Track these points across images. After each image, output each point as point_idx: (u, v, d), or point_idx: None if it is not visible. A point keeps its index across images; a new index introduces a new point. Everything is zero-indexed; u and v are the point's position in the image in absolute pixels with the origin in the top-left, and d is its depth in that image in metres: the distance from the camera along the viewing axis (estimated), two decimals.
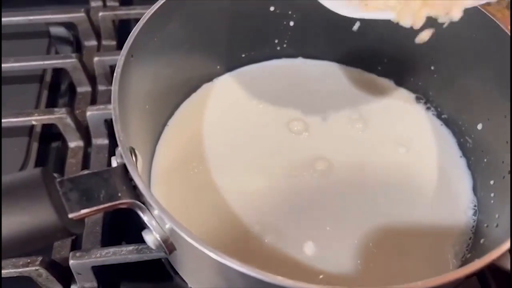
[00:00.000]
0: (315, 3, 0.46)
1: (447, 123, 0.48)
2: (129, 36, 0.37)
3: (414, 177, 0.44)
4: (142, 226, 0.33)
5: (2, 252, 0.26)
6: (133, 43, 0.37)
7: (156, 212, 0.30)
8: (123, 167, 0.31)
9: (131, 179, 0.31)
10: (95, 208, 0.29)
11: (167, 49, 0.43)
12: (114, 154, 0.34)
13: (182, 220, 0.39)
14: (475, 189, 0.43)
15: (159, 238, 0.31)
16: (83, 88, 0.54)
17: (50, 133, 0.51)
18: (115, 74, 0.34)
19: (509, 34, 0.38)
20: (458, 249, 0.40)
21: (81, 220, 0.29)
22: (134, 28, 0.38)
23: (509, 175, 0.38)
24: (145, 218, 0.31)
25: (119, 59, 0.35)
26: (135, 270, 0.41)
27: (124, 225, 0.45)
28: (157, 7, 0.39)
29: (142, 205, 0.30)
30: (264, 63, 0.52)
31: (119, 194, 0.30)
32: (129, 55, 0.36)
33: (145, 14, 0.39)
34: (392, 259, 0.39)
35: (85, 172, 0.30)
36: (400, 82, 0.51)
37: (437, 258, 0.40)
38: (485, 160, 0.42)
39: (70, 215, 0.28)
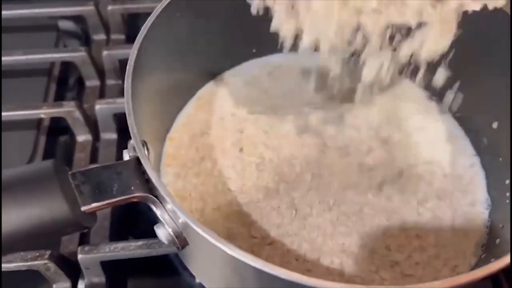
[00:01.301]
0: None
1: (461, 121, 0.47)
2: (142, 29, 0.37)
3: (427, 176, 0.43)
4: (150, 220, 0.33)
5: (12, 245, 0.26)
6: (146, 37, 0.36)
7: (169, 206, 0.29)
8: (136, 161, 0.30)
9: (143, 173, 0.30)
10: (108, 201, 0.29)
11: (177, 43, 0.43)
12: (122, 148, 0.34)
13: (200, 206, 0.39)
14: (489, 189, 0.43)
15: (171, 233, 0.30)
16: (92, 82, 0.54)
17: (58, 127, 0.51)
18: (128, 67, 0.34)
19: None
20: (472, 249, 0.39)
21: (93, 214, 0.29)
22: (147, 21, 0.37)
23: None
24: (158, 212, 0.30)
25: (132, 52, 0.35)
26: (143, 266, 0.41)
27: (132, 220, 0.45)
28: (168, 1, 0.39)
29: (155, 199, 0.30)
30: (271, 57, 0.52)
31: (132, 188, 0.30)
32: (142, 48, 0.36)
33: (156, 8, 0.39)
34: (404, 259, 0.39)
35: (98, 165, 0.30)
36: (413, 79, 0.50)
37: (451, 257, 0.39)
38: (500, 159, 0.42)
39: (83, 208, 0.28)
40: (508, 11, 0.39)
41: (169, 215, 0.30)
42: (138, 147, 0.30)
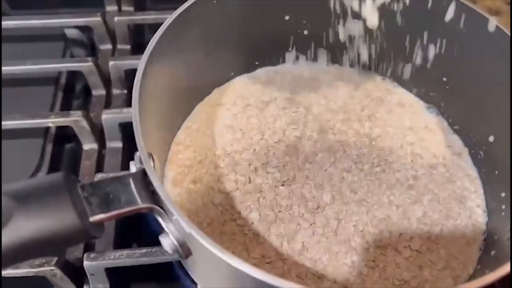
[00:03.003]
0: (329, 13, 0.47)
1: (459, 134, 0.48)
2: (150, 43, 0.38)
3: (423, 187, 0.44)
4: (154, 228, 0.34)
5: (25, 253, 0.27)
6: (154, 50, 0.37)
7: (174, 217, 0.30)
8: (143, 172, 0.31)
9: (149, 184, 0.31)
10: (115, 212, 0.30)
11: (183, 54, 0.44)
12: (128, 157, 0.35)
13: (198, 221, 0.39)
14: (486, 201, 0.44)
15: (176, 243, 0.31)
16: (98, 92, 0.55)
17: (64, 135, 0.52)
18: (135, 80, 0.35)
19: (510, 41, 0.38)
20: (471, 260, 0.40)
21: (101, 224, 0.30)
22: (155, 35, 0.38)
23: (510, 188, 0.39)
24: (163, 223, 0.31)
25: (140, 65, 0.36)
26: (145, 273, 0.42)
27: (136, 228, 0.46)
28: (176, 14, 0.40)
29: (161, 210, 0.31)
30: (277, 67, 0.53)
31: (139, 199, 0.31)
32: (150, 61, 0.37)
33: (165, 22, 0.40)
34: (402, 258, 0.40)
35: (106, 176, 0.31)
36: (412, 92, 0.52)
37: (455, 268, 0.40)
38: (496, 172, 0.43)
39: (91, 219, 0.29)
40: (505, 29, 0.40)
41: (174, 225, 0.31)
42: (145, 160, 0.31)
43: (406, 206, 0.42)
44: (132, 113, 0.33)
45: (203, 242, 0.28)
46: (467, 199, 0.44)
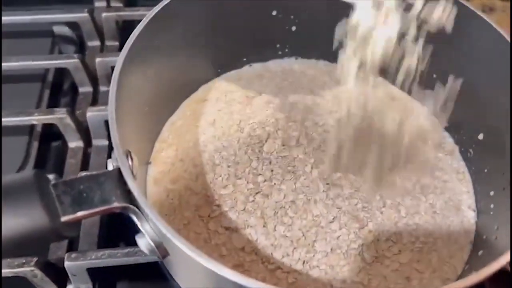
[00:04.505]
0: (317, 9, 0.46)
1: (449, 131, 0.47)
2: (129, 38, 0.37)
3: (413, 185, 0.43)
4: (137, 229, 0.33)
5: None
6: (133, 45, 0.37)
7: (150, 217, 0.29)
8: (119, 171, 0.31)
9: (126, 183, 0.31)
10: (88, 211, 0.29)
11: (167, 51, 0.43)
12: None
13: (175, 222, 0.39)
14: (474, 200, 0.43)
15: (152, 243, 0.31)
16: (85, 88, 0.54)
17: (50, 133, 0.51)
18: (113, 76, 0.35)
19: (510, 41, 0.38)
20: (455, 260, 0.39)
21: (75, 223, 0.29)
22: (135, 30, 0.38)
23: (510, 186, 0.38)
24: (138, 222, 0.31)
25: (118, 61, 0.36)
26: (131, 272, 0.41)
27: (122, 227, 0.45)
28: (158, 9, 0.40)
29: (136, 209, 0.30)
30: (264, 64, 0.52)
31: (113, 198, 0.30)
32: (129, 57, 0.36)
33: (146, 16, 0.39)
34: (389, 271, 0.39)
35: (81, 174, 0.30)
36: (402, 88, 0.51)
37: (445, 271, 0.39)
38: (486, 170, 0.42)
39: (62, 218, 0.28)
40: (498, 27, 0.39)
41: (149, 225, 0.30)
42: (120, 158, 0.30)
43: (398, 218, 0.41)
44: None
45: (178, 243, 0.27)
46: (461, 203, 0.43)
